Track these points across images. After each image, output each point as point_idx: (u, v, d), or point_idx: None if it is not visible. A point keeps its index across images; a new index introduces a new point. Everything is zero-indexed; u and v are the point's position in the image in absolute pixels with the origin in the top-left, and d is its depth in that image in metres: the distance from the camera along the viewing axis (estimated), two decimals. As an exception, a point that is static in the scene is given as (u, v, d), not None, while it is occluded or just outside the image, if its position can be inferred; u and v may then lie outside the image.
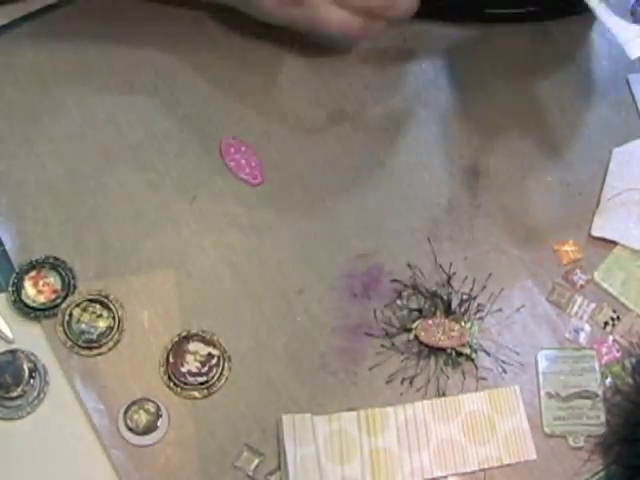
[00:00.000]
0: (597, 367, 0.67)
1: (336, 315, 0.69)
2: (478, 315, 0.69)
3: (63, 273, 0.68)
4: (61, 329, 0.67)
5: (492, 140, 0.75)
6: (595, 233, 0.72)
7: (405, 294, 0.69)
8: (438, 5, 0.78)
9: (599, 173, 0.74)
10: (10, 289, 0.67)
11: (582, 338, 0.69)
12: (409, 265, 0.70)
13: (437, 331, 0.67)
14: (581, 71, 0.79)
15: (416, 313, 0.68)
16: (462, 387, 0.67)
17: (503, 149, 0.75)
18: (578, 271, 0.71)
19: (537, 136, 0.76)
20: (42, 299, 0.67)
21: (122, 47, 0.75)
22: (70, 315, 0.67)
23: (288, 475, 0.62)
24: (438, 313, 0.68)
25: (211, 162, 0.72)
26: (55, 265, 0.68)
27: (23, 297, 0.67)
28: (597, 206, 0.73)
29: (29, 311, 0.67)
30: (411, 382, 0.67)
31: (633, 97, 0.78)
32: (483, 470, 0.64)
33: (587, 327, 0.69)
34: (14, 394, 0.65)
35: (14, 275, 0.68)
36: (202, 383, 0.66)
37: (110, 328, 0.67)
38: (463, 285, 0.70)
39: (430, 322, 0.68)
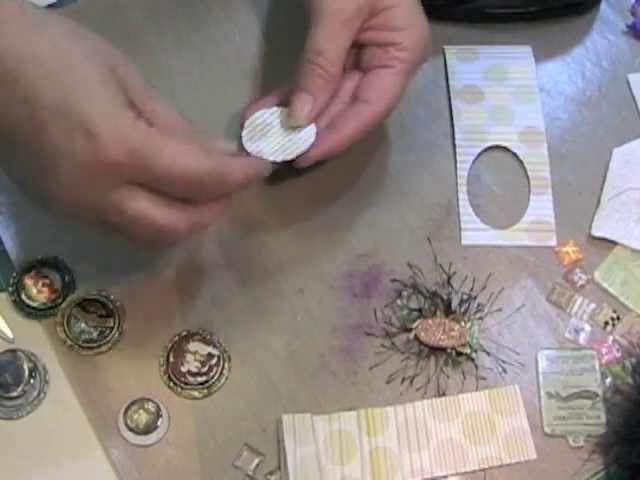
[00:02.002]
0: (597, 367, 0.67)
1: (336, 315, 0.69)
2: (478, 315, 0.69)
3: (63, 273, 0.68)
4: (61, 329, 0.67)
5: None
6: (595, 233, 0.72)
7: (405, 294, 0.69)
8: (438, 5, 0.78)
9: (599, 173, 0.74)
10: (10, 289, 0.68)
11: (582, 338, 0.69)
12: (409, 265, 0.70)
13: (437, 331, 0.67)
14: (581, 71, 0.79)
15: (416, 313, 0.68)
16: (462, 387, 0.67)
17: (502, 149, 0.75)
18: (578, 271, 0.71)
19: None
20: (42, 299, 0.68)
21: (121, 47, 0.75)
22: (70, 315, 0.67)
23: (288, 475, 0.62)
24: (438, 313, 0.68)
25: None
26: (55, 265, 0.68)
27: (23, 297, 0.67)
28: (597, 206, 0.73)
29: (29, 311, 0.67)
30: (411, 382, 0.67)
31: (633, 97, 0.78)
32: (483, 470, 0.64)
33: (587, 327, 0.69)
34: (14, 394, 0.65)
35: (14, 275, 0.68)
36: (202, 383, 0.66)
37: (110, 328, 0.67)
38: (463, 285, 0.70)
39: (430, 322, 0.68)
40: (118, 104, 0.56)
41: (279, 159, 0.67)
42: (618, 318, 0.69)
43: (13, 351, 0.66)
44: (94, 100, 0.55)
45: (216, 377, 0.66)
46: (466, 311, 0.69)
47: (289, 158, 0.67)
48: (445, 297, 0.69)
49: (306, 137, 0.67)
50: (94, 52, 0.57)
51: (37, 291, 0.68)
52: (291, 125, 0.67)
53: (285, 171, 0.73)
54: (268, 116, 0.68)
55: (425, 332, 0.67)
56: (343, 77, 0.69)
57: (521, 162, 0.74)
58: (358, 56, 0.70)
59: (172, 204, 0.59)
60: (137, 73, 0.60)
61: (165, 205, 0.58)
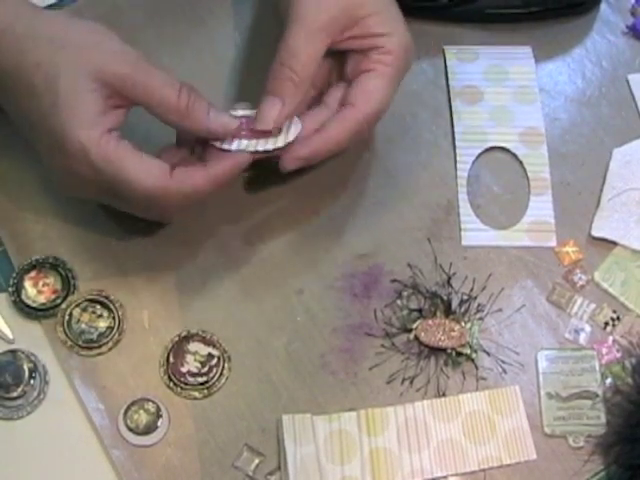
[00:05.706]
0: (597, 367, 0.67)
1: (336, 315, 0.69)
2: (478, 315, 0.69)
3: (63, 273, 0.68)
4: (61, 329, 0.67)
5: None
6: (595, 233, 0.72)
7: (405, 294, 0.69)
8: (438, 5, 0.78)
9: (599, 173, 0.74)
10: (10, 289, 0.68)
11: (582, 338, 0.69)
12: (409, 265, 0.70)
13: (437, 331, 0.67)
14: (581, 71, 0.79)
15: (416, 313, 0.68)
16: (462, 387, 0.67)
17: (502, 149, 0.75)
18: (578, 271, 0.71)
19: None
20: (42, 299, 0.68)
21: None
22: (70, 315, 0.67)
23: (288, 475, 0.62)
24: (438, 313, 0.68)
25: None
26: (55, 265, 0.68)
27: (23, 297, 0.67)
28: (597, 206, 0.73)
29: (29, 311, 0.67)
30: (411, 382, 0.67)
31: (633, 97, 0.78)
32: (483, 470, 0.64)
33: (587, 327, 0.69)
34: (14, 394, 0.65)
35: (14, 275, 0.68)
36: (202, 383, 0.66)
37: (110, 328, 0.67)
38: (463, 285, 0.70)
39: (430, 322, 0.68)
40: (90, 119, 0.62)
41: (260, 149, 0.65)
42: (618, 318, 0.69)
43: (13, 351, 0.66)
44: (66, 120, 0.61)
45: (216, 377, 0.66)
46: (466, 311, 0.69)
47: (270, 148, 0.66)
48: (445, 297, 0.69)
49: (290, 129, 0.66)
50: (73, 63, 0.62)
51: (37, 291, 0.68)
52: (258, 128, 0.66)
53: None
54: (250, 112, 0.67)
55: (425, 332, 0.67)
56: (331, 88, 0.69)
57: (521, 163, 0.75)
58: (343, 67, 0.69)
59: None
60: (123, 60, 0.63)
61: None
